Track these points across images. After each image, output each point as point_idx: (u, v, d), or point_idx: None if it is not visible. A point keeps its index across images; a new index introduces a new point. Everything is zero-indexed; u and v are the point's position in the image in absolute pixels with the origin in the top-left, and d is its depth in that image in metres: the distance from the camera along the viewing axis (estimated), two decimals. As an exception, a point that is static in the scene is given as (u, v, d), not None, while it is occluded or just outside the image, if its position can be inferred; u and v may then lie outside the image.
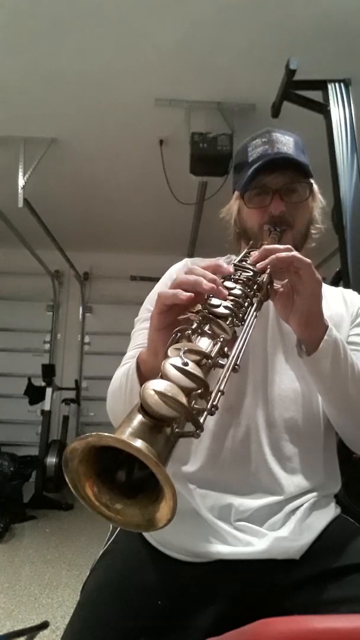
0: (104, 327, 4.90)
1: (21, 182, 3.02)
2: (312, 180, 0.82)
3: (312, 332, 0.65)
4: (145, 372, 0.62)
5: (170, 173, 3.07)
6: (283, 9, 2.09)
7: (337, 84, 2.19)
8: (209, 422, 0.71)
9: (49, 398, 4.08)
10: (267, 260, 0.61)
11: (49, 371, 4.16)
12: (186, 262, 0.91)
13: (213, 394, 0.41)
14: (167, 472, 0.33)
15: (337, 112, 2.14)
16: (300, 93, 2.21)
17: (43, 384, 4.11)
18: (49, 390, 4.09)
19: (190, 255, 4.63)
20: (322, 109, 2.18)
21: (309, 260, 0.61)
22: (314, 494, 0.71)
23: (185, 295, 0.50)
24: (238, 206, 0.87)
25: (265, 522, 0.67)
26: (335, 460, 0.79)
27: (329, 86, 2.18)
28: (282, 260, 0.61)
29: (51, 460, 3.83)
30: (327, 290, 0.88)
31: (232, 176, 0.91)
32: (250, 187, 0.81)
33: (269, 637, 0.38)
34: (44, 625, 1.75)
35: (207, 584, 0.63)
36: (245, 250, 0.73)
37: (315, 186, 0.84)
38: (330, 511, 0.72)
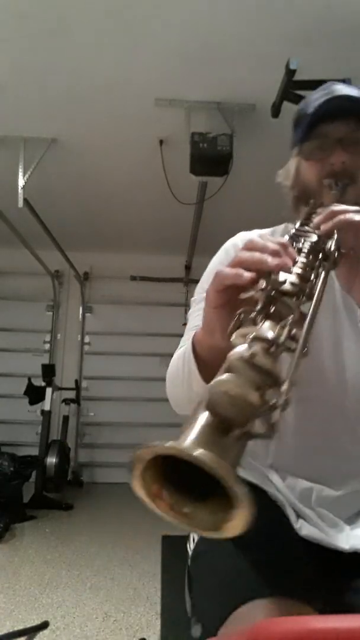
0: (104, 327, 4.90)
1: (21, 182, 3.02)
2: None
3: None
4: (201, 352, 0.59)
5: (170, 173, 3.07)
6: (283, 9, 2.08)
7: (337, 84, 2.19)
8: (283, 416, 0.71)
9: (49, 398, 4.08)
10: (333, 223, 0.55)
11: (49, 371, 4.16)
12: (243, 235, 0.84)
13: (285, 387, 0.37)
14: (239, 485, 0.30)
15: (337, 112, 2.14)
16: (300, 93, 2.21)
17: (43, 384, 4.10)
18: (49, 390, 4.09)
19: (190, 256, 4.65)
20: None
21: None
22: None
23: (248, 275, 0.46)
24: (296, 164, 0.80)
25: (342, 512, 0.67)
26: None
27: (329, 86, 2.18)
28: (350, 223, 0.54)
29: (51, 460, 3.83)
30: None
31: (292, 134, 0.83)
32: (310, 137, 0.75)
33: (269, 637, 0.38)
34: (44, 625, 1.76)
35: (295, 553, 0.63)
36: (305, 212, 0.66)
37: None
38: None
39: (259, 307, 0.43)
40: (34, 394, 4.09)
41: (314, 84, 2.27)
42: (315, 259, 0.52)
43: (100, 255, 4.89)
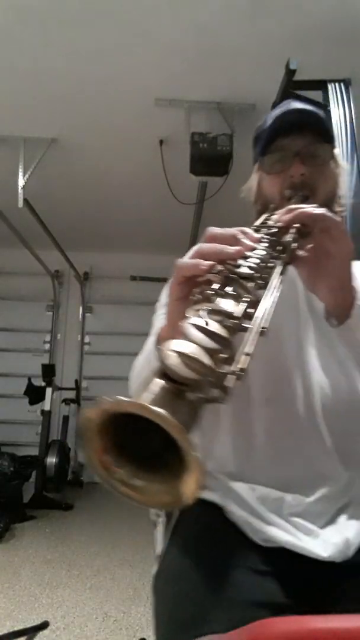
0: (104, 327, 4.90)
1: (21, 182, 3.02)
2: (334, 146, 0.79)
3: (343, 298, 0.60)
4: None
5: (170, 173, 3.07)
6: (283, 9, 2.09)
7: (337, 84, 2.19)
8: (249, 419, 0.70)
9: (49, 398, 4.08)
10: (293, 214, 0.56)
11: (49, 371, 4.16)
12: (208, 229, 0.88)
13: (241, 357, 0.36)
14: (191, 440, 0.30)
15: (337, 112, 2.14)
16: (300, 93, 2.20)
17: (43, 384, 4.11)
18: (49, 390, 4.09)
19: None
20: (322, 109, 2.18)
21: (339, 218, 0.57)
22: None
23: (206, 264, 0.46)
24: (258, 178, 0.83)
25: (316, 519, 0.65)
26: None
27: (329, 86, 2.18)
28: (309, 216, 0.56)
29: (51, 460, 3.83)
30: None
31: (252, 151, 0.86)
32: (269, 150, 0.78)
33: (269, 637, 0.38)
34: (44, 625, 1.75)
35: (272, 566, 0.61)
36: (265, 215, 0.67)
37: (337, 151, 0.81)
38: None
39: (215, 287, 0.43)
40: (34, 394, 4.09)
41: (314, 84, 2.30)
42: (274, 250, 0.53)
43: (100, 255, 4.89)
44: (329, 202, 0.78)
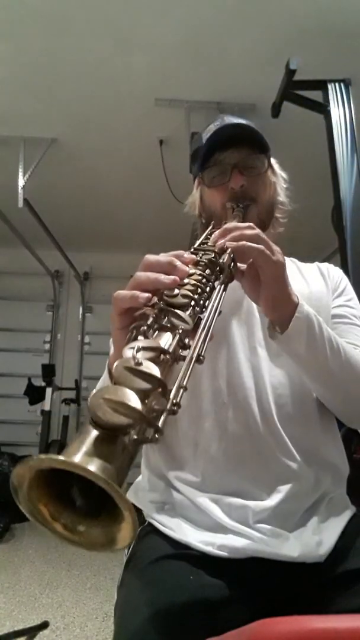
0: (104, 327, 4.89)
1: (21, 182, 3.02)
2: (270, 155, 0.82)
3: (281, 312, 0.62)
4: None
5: (170, 173, 3.06)
6: (283, 9, 2.08)
7: (337, 84, 2.19)
8: (205, 425, 0.71)
9: (49, 398, 4.08)
10: (224, 240, 0.59)
11: (49, 371, 4.16)
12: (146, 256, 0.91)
13: (173, 391, 0.37)
14: (121, 492, 0.29)
15: (337, 112, 2.14)
16: (300, 93, 2.21)
17: (43, 384, 4.10)
18: (49, 390, 4.09)
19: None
20: (322, 109, 2.18)
21: (259, 246, 0.57)
22: (325, 482, 0.70)
23: (143, 297, 0.47)
24: (200, 192, 0.86)
25: (284, 523, 0.65)
26: (340, 447, 0.76)
27: (329, 86, 2.18)
28: (235, 248, 0.57)
29: (51, 460, 3.82)
30: (303, 267, 0.87)
31: (191, 167, 0.91)
32: (208, 164, 0.80)
33: (268, 637, 0.38)
34: (44, 625, 1.75)
35: (238, 579, 0.60)
36: (206, 232, 0.69)
37: (274, 160, 0.84)
38: (347, 509, 0.70)
39: (150, 321, 0.44)
40: (34, 394, 4.09)
41: (314, 84, 2.30)
42: (212, 272, 0.54)
43: (100, 255, 4.88)
44: (269, 208, 0.82)
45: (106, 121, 2.83)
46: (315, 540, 0.63)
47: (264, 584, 0.60)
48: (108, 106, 2.70)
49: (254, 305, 0.76)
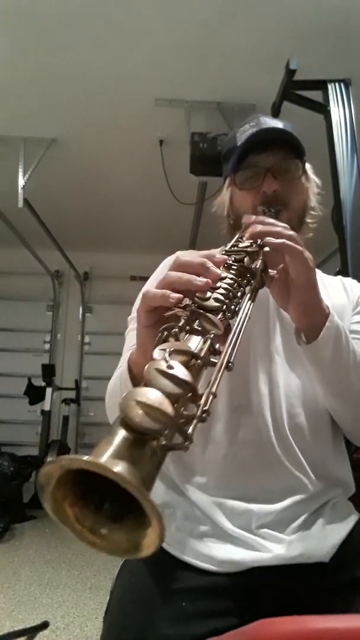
0: (104, 327, 4.90)
1: (21, 182, 3.02)
2: (305, 160, 0.80)
3: (312, 320, 0.62)
4: (138, 374, 0.58)
5: (170, 173, 3.07)
6: (283, 9, 2.09)
7: (337, 84, 2.19)
8: (217, 427, 0.70)
9: (49, 398, 4.08)
10: (260, 230, 0.58)
11: (49, 371, 4.16)
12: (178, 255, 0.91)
13: (203, 398, 0.36)
14: (150, 499, 0.29)
15: (337, 112, 2.14)
16: (300, 93, 2.21)
17: (43, 384, 4.11)
18: (49, 390, 4.09)
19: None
20: (322, 109, 2.18)
21: (300, 247, 0.57)
22: (332, 494, 0.69)
23: (174, 298, 0.46)
24: (230, 193, 0.84)
25: (287, 527, 0.64)
26: (349, 466, 0.76)
27: (329, 86, 2.18)
28: (276, 246, 0.57)
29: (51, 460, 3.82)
30: (326, 279, 0.86)
31: (223, 167, 0.87)
32: (241, 167, 0.78)
33: (269, 637, 0.38)
34: (44, 625, 1.75)
35: (238, 592, 0.60)
36: (237, 235, 0.67)
37: (308, 166, 0.83)
38: (352, 514, 0.70)
39: (181, 323, 0.43)
40: (34, 394, 4.09)
41: (314, 84, 2.30)
42: (243, 278, 0.53)
43: (100, 255, 4.89)
44: (300, 214, 0.80)
45: (106, 121, 2.83)
46: (319, 539, 0.62)
47: (265, 592, 0.60)
48: (108, 106, 2.70)
49: (276, 311, 0.76)
